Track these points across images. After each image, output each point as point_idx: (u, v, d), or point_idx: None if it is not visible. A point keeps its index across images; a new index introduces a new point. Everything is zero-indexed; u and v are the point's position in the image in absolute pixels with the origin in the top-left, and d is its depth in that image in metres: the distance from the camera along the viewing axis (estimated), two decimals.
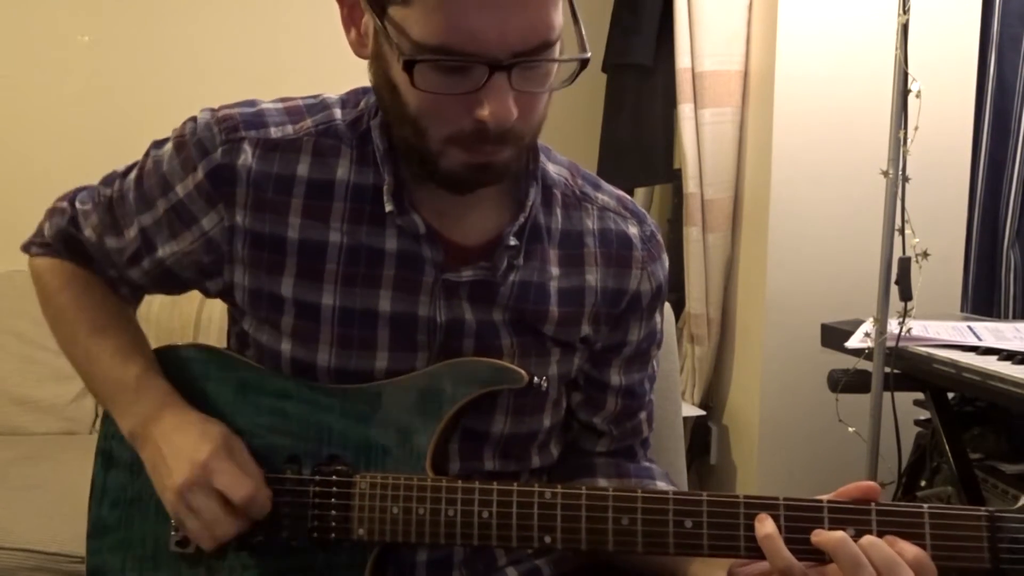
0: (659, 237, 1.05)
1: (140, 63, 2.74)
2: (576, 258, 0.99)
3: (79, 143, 2.69)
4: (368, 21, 0.84)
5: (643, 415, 1.08)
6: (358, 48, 0.87)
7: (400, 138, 0.88)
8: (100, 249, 1.02)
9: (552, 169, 1.00)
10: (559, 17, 0.79)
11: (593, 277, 0.99)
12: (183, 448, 0.90)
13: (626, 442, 1.07)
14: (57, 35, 2.71)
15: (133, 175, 0.99)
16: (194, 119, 0.95)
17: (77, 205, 1.04)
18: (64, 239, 1.04)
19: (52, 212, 1.06)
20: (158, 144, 0.98)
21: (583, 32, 0.81)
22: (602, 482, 1.05)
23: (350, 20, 0.87)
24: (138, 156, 1.01)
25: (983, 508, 0.79)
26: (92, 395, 1.02)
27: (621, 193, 1.05)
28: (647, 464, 1.09)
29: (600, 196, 1.02)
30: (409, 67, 0.78)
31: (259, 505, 0.89)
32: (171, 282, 1.01)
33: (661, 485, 1.06)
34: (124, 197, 0.99)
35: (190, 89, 2.72)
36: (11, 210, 2.64)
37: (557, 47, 0.80)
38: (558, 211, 0.98)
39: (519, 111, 0.80)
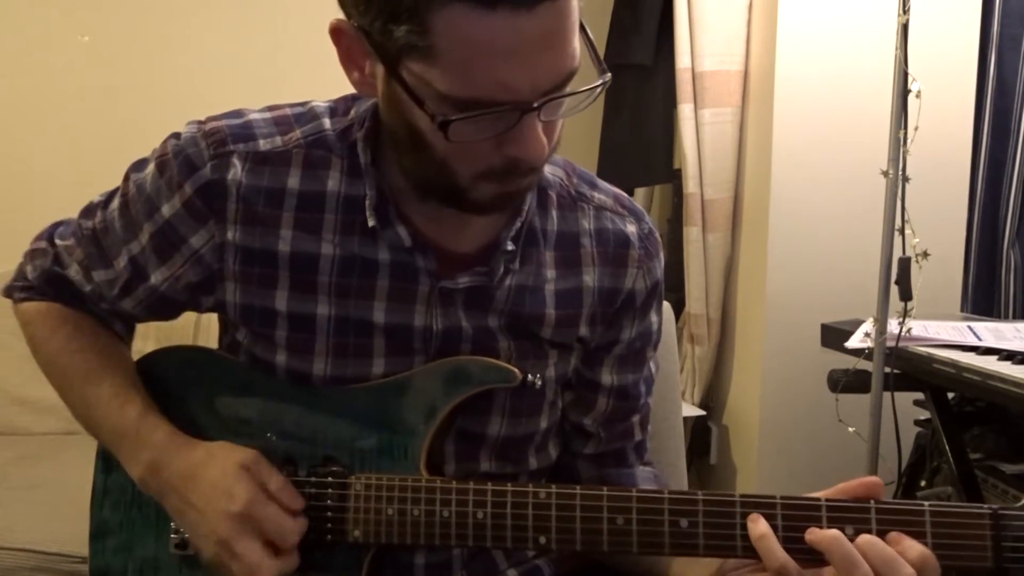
0: (657, 235, 1.04)
1: (140, 63, 2.74)
2: (572, 259, 0.98)
3: (79, 143, 2.69)
4: (375, 65, 0.80)
5: (636, 418, 1.06)
6: (364, 89, 0.84)
7: (420, 176, 0.85)
8: (88, 284, 0.99)
9: (547, 169, 0.98)
10: (577, 41, 0.77)
11: (591, 278, 0.98)
12: (212, 497, 0.87)
13: (615, 445, 1.05)
14: (57, 35, 2.71)
15: (117, 203, 0.96)
16: (177, 135, 0.93)
17: (57, 242, 1.01)
18: (49, 279, 1.01)
19: (32, 253, 1.03)
20: (138, 167, 0.96)
21: (598, 52, 0.79)
22: None
23: (350, 60, 0.82)
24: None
25: (986, 506, 0.77)
26: (96, 439, 1.00)
27: (618, 191, 1.04)
28: (632, 471, 1.07)
29: (597, 195, 1.01)
30: (444, 127, 0.76)
31: (301, 535, 0.88)
32: (166, 308, 0.99)
33: None
34: (110, 227, 0.96)
35: (190, 89, 2.72)
36: (11, 210, 2.65)
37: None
38: (553, 213, 0.97)
39: (546, 139, 0.80)
